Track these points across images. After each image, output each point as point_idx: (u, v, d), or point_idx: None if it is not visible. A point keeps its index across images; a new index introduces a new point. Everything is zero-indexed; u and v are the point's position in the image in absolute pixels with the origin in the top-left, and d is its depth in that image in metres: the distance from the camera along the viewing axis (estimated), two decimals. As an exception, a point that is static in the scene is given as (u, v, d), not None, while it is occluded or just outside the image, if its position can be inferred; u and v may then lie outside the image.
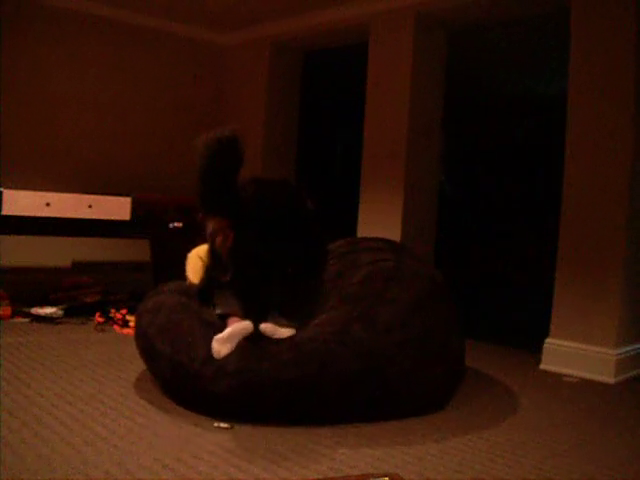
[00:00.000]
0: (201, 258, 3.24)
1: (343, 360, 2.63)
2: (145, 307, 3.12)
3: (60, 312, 4.30)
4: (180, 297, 3.08)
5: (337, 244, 3.42)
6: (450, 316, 3.12)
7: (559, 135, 3.98)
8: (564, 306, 3.77)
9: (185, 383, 2.70)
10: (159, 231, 4.89)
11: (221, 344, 2.62)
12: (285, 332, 2.72)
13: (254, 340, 2.67)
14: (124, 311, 4.29)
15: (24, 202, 4.24)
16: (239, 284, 2.82)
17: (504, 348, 4.37)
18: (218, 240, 2.86)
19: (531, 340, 4.04)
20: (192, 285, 3.25)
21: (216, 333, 2.66)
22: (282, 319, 2.76)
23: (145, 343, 2.96)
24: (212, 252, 2.97)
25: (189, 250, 3.54)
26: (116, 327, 4.18)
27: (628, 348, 3.70)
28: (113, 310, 4.35)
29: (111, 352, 3.55)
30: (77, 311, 4.45)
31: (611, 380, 3.54)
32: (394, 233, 4.50)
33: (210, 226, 2.89)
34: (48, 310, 4.25)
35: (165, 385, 2.86)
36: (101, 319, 4.27)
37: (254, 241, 2.76)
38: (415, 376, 2.77)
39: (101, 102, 5.44)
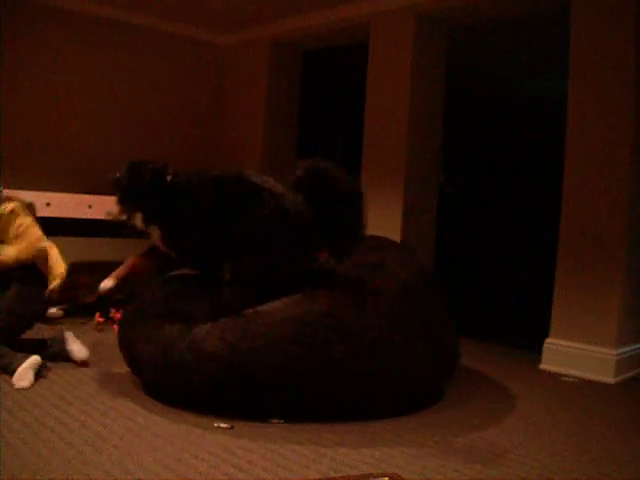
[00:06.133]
0: None
1: (329, 343, 2.61)
2: (125, 317, 3.13)
3: (60, 312, 4.31)
4: (160, 293, 3.10)
5: None
6: (440, 305, 3.12)
7: (559, 134, 3.98)
8: (564, 306, 3.77)
9: (171, 379, 2.70)
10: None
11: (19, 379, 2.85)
12: None
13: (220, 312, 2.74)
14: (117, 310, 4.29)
15: (24, 202, 4.23)
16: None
17: (504, 348, 4.37)
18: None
19: (531, 340, 4.04)
20: None
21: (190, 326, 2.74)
22: None
23: (129, 351, 2.97)
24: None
25: None
26: (116, 327, 4.17)
27: (628, 348, 3.70)
28: (113, 310, 4.34)
29: (111, 352, 3.54)
30: (77, 311, 4.44)
31: (611, 380, 3.54)
32: (394, 233, 4.49)
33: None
34: (48, 310, 4.25)
35: (154, 387, 2.87)
36: (101, 319, 4.27)
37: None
38: (404, 364, 2.77)
39: (101, 102, 5.43)
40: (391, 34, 4.71)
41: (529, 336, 4.18)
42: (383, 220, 4.65)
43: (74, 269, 5.42)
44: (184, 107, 5.88)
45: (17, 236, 3.33)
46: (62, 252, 3.51)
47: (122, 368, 3.21)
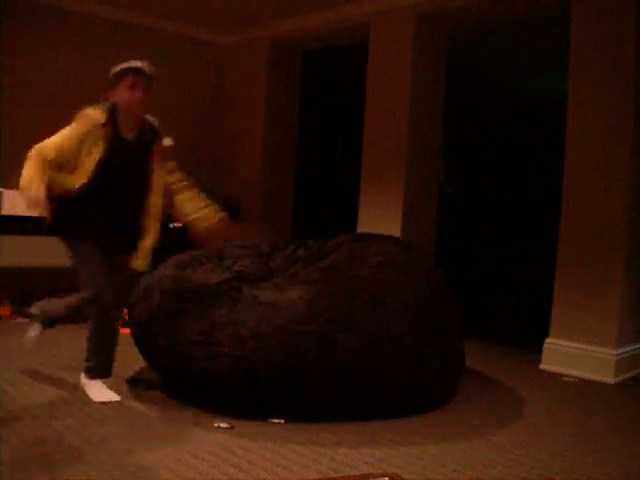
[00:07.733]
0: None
1: (345, 346, 2.61)
2: (136, 293, 3.11)
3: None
4: (173, 271, 3.10)
5: (346, 236, 3.42)
6: (451, 313, 3.13)
7: (559, 134, 3.98)
8: (564, 306, 3.77)
9: (181, 370, 2.71)
10: (159, 231, 4.87)
11: None
12: None
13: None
14: (124, 311, 4.28)
15: (24, 202, 4.22)
16: None
17: (504, 348, 4.37)
18: None
19: (531, 340, 4.04)
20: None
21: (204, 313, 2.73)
22: None
23: (139, 335, 2.97)
24: None
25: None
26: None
27: (628, 348, 3.70)
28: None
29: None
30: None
31: (611, 380, 3.54)
32: (394, 233, 4.48)
33: None
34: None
35: (166, 376, 2.88)
36: (101, 319, 4.26)
37: None
38: (411, 366, 2.76)
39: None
40: (391, 34, 4.71)
41: (529, 336, 4.19)
42: (383, 220, 4.65)
43: (75, 269, 5.42)
44: (184, 107, 5.87)
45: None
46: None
47: (122, 368, 3.21)
